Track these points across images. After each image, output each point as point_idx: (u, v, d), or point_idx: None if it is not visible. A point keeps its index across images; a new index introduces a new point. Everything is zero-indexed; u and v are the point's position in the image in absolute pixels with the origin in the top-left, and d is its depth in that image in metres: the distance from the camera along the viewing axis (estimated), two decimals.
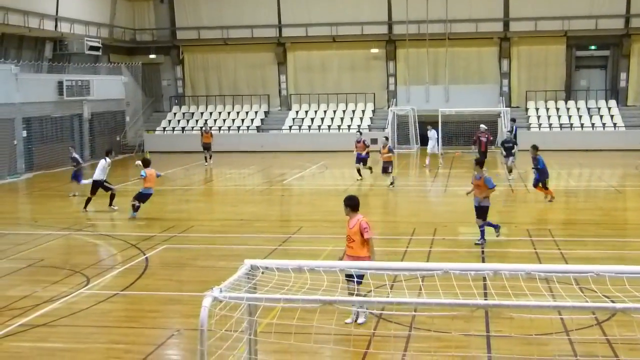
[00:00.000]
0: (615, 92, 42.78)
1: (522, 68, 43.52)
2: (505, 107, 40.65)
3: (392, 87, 44.40)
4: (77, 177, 24.92)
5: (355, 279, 9.02)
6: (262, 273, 6.21)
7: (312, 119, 43.70)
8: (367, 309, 11.00)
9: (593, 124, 40.79)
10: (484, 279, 5.89)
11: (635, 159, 33.53)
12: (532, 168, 23.05)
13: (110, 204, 21.81)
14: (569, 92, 43.39)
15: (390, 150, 26.21)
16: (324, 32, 43.69)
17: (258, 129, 43.65)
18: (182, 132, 43.60)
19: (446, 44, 41.94)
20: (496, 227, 16.65)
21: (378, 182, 26.70)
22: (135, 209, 20.35)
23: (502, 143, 28.95)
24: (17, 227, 20.39)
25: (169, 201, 24.15)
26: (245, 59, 45.66)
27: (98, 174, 22.14)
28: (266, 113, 44.99)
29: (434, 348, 9.73)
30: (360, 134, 30.22)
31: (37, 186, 29.03)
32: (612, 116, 41.04)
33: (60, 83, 35.38)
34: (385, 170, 26.20)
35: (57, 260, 15.79)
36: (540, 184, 22.42)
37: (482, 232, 16.19)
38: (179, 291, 12.99)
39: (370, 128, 42.20)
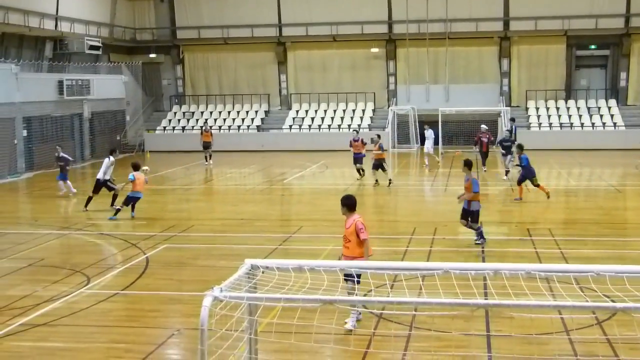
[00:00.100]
0: (615, 92, 42.78)
1: (522, 67, 43.53)
2: (506, 106, 40.63)
3: (392, 87, 44.41)
4: (63, 176, 24.90)
5: (355, 279, 9.01)
6: (263, 272, 6.21)
7: (313, 119, 43.71)
8: (360, 313, 10.94)
9: (593, 124, 40.79)
10: (484, 278, 5.88)
11: (635, 159, 33.53)
12: (516, 165, 23.13)
13: (112, 204, 21.80)
14: (569, 92, 43.39)
15: (380, 148, 26.11)
16: (324, 32, 43.70)
17: (258, 128, 43.66)
18: (183, 131, 43.60)
19: (446, 44, 41.94)
20: (482, 238, 16.16)
21: (379, 182, 26.66)
22: (116, 212, 20.41)
23: (500, 142, 28.95)
24: (17, 226, 20.40)
25: (169, 201, 24.16)
26: (246, 58, 45.67)
27: (101, 173, 22.15)
28: (266, 112, 45.00)
29: (434, 347, 9.73)
30: (357, 132, 30.12)
31: (38, 185, 29.04)
32: (612, 115, 41.04)
33: (61, 82, 35.39)
34: (375, 167, 26.16)
35: (57, 260, 15.80)
36: (524, 182, 22.29)
37: (479, 234, 16.11)
38: (180, 291, 12.99)
39: (370, 127, 42.19)
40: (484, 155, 30.15)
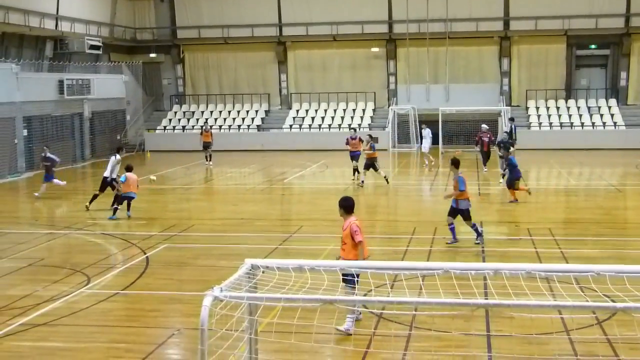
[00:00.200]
0: (615, 91, 42.78)
1: (522, 67, 43.53)
2: (506, 106, 40.65)
3: (392, 86, 44.41)
4: (49, 177, 24.78)
5: (354, 284, 8.98)
6: (263, 272, 6.21)
7: (313, 118, 43.71)
8: (360, 313, 10.90)
9: (593, 123, 40.78)
10: (485, 278, 5.89)
11: (636, 158, 33.53)
12: (506, 167, 22.92)
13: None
14: (569, 91, 43.39)
15: (372, 148, 25.93)
16: (324, 31, 43.69)
17: (258, 128, 43.66)
18: (183, 131, 43.60)
19: (446, 43, 41.93)
20: (454, 238, 16.13)
21: (378, 182, 26.67)
22: (114, 211, 20.44)
23: (499, 143, 28.86)
24: (17, 226, 20.40)
25: (169, 200, 24.15)
26: (246, 58, 45.67)
27: (108, 171, 22.15)
28: (267, 112, 45.00)
29: (435, 347, 9.73)
30: (355, 131, 30.05)
31: (38, 185, 28.89)
32: (612, 115, 41.03)
33: (61, 82, 35.39)
34: (367, 167, 26.04)
35: (57, 260, 15.80)
36: (511, 183, 22.21)
37: (476, 231, 16.09)
38: (180, 290, 12.99)
39: (370, 127, 42.21)
40: (485, 155, 30.11)
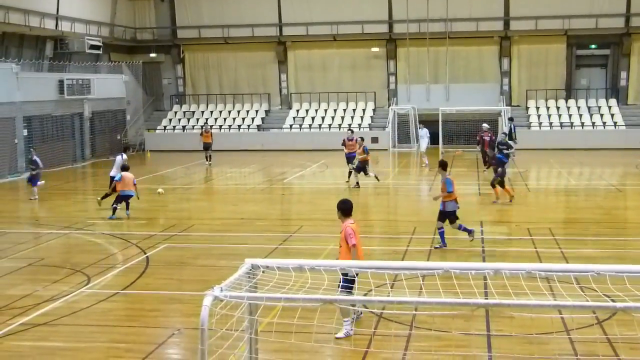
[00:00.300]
0: (615, 91, 42.78)
1: (522, 67, 43.53)
2: (506, 106, 40.66)
3: (392, 86, 44.41)
4: (33, 180, 24.53)
5: (350, 285, 8.95)
6: (263, 272, 6.21)
7: (313, 118, 43.71)
8: (362, 313, 10.88)
9: (593, 123, 40.78)
10: (485, 278, 5.88)
11: (636, 158, 33.53)
12: (490, 166, 22.79)
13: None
14: (570, 91, 43.39)
15: (365, 151, 25.71)
16: (324, 31, 43.69)
17: (259, 127, 43.66)
18: (183, 130, 43.60)
19: (447, 43, 41.93)
20: (443, 242, 15.89)
21: (379, 182, 26.64)
22: (114, 210, 20.42)
23: (497, 145, 28.78)
24: (17, 226, 20.40)
25: (169, 200, 24.14)
26: (246, 57, 45.67)
27: (114, 170, 22.15)
28: (267, 112, 45.00)
29: (435, 347, 9.73)
30: (352, 132, 29.97)
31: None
32: (612, 115, 41.03)
33: (61, 82, 35.38)
34: (358, 170, 25.88)
35: (57, 259, 15.80)
36: (497, 183, 22.06)
37: (465, 230, 15.96)
38: (180, 290, 12.99)
39: (371, 127, 42.26)
40: (486, 154, 30.09)
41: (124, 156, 22.46)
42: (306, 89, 45.27)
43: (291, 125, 43.24)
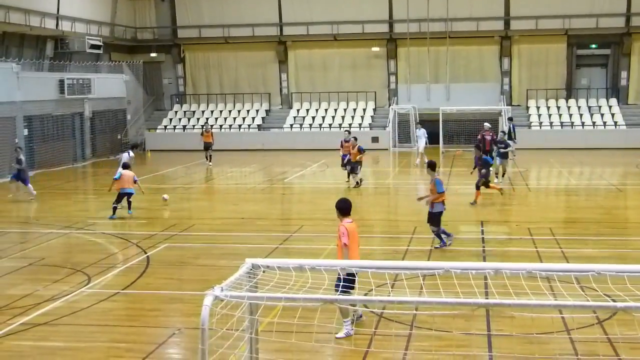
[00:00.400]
0: (616, 91, 42.78)
1: (523, 66, 43.53)
2: (506, 105, 40.66)
3: (393, 86, 44.41)
4: (23, 179, 24.32)
5: (348, 285, 8.91)
6: (263, 272, 6.21)
7: (313, 118, 43.72)
8: (362, 315, 10.86)
9: (594, 123, 40.78)
10: (485, 277, 5.88)
11: (636, 157, 33.53)
12: (476, 168, 22.48)
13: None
14: (570, 91, 43.39)
15: (360, 151, 25.62)
16: (325, 31, 43.70)
17: (259, 127, 43.66)
18: (183, 130, 43.61)
19: (447, 43, 41.93)
20: (443, 242, 15.73)
21: (379, 182, 26.66)
22: (114, 210, 20.42)
23: (496, 143, 28.77)
24: (18, 225, 20.40)
25: (170, 200, 24.13)
26: (246, 57, 45.68)
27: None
28: (267, 111, 45.01)
29: (435, 347, 9.73)
30: (349, 133, 29.91)
31: (38, 184, 28.94)
32: (612, 114, 41.03)
33: (62, 81, 35.39)
34: (353, 170, 25.84)
35: (58, 259, 15.80)
36: (482, 183, 21.82)
37: (439, 237, 15.75)
38: (180, 290, 12.99)
39: (371, 127, 42.26)
40: (486, 154, 30.01)
41: (131, 153, 22.43)
42: (306, 89, 45.28)
43: (291, 125, 43.24)
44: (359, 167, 25.74)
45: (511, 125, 33.20)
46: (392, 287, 9.19)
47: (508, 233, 18.05)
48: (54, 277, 13.98)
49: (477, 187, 21.83)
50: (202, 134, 35.14)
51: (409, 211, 22.18)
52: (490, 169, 22.67)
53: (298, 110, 44.51)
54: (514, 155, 31.08)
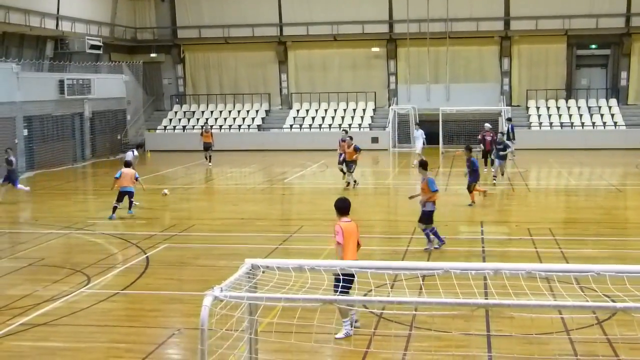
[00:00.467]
0: (615, 91, 42.78)
1: (522, 67, 43.55)
2: (506, 106, 40.66)
3: (392, 86, 44.42)
4: (13, 180, 24.23)
5: (347, 284, 8.88)
6: (263, 272, 6.21)
7: (313, 118, 43.72)
8: (357, 321, 10.84)
9: (594, 123, 40.79)
10: (485, 278, 5.88)
11: (636, 158, 33.53)
12: (467, 169, 22.32)
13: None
14: (570, 91, 43.40)
15: (356, 150, 25.55)
16: (325, 31, 43.70)
17: (259, 127, 43.66)
18: (183, 130, 43.61)
19: (447, 43, 41.94)
20: (441, 240, 15.64)
21: (379, 181, 26.66)
22: (114, 209, 20.40)
23: (495, 144, 28.72)
24: (17, 226, 20.40)
25: (169, 200, 24.13)
26: (246, 57, 45.68)
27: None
28: (267, 112, 45.01)
29: (435, 347, 9.73)
30: (346, 132, 29.84)
31: (38, 185, 29.00)
32: (612, 115, 41.04)
33: (62, 82, 35.40)
34: (349, 169, 25.75)
35: (57, 259, 15.79)
36: (471, 186, 21.63)
37: (427, 236, 15.64)
38: (180, 290, 12.99)
39: (371, 127, 42.26)
40: (487, 154, 30.05)
41: (135, 153, 22.36)
42: (306, 89, 45.28)
43: (291, 125, 43.24)
44: (353, 166, 25.69)
45: (510, 126, 33.21)
46: (391, 288, 9.19)
47: (508, 233, 18.05)
48: (54, 278, 13.97)
49: (470, 190, 21.71)
50: (201, 134, 35.11)
51: (408, 211, 22.13)
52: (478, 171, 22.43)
53: (298, 111, 44.51)
54: (514, 156, 31.07)
